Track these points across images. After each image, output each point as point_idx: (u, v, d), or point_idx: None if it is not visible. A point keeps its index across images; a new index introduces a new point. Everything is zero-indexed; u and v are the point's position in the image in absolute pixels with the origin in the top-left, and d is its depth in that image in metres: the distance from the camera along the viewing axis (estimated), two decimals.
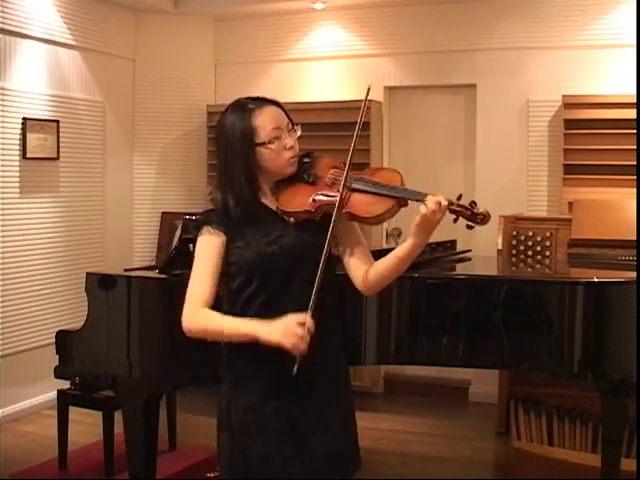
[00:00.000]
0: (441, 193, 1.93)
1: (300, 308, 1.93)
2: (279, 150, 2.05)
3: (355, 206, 2.01)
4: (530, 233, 4.60)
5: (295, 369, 1.86)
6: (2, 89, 4.76)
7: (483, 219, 1.94)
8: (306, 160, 2.13)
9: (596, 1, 5.08)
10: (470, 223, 1.95)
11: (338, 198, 1.99)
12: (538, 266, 4.30)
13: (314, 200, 2.04)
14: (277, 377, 2.02)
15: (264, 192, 2.11)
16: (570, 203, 4.80)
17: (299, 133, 2.11)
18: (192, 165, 6.06)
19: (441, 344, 3.03)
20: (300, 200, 2.06)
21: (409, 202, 1.99)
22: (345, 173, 2.02)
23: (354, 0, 5.53)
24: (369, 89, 2.06)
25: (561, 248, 4.52)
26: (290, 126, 2.09)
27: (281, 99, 2.19)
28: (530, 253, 4.56)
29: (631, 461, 3.55)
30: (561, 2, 5.17)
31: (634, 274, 3.19)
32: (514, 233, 4.63)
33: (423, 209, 1.90)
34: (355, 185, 2.03)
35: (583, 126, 4.98)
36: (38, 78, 5.04)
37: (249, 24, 6.00)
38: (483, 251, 4.42)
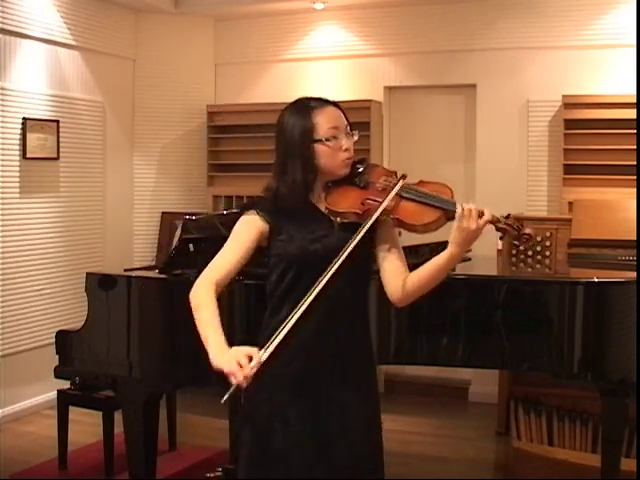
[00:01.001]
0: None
1: (332, 309, 1.97)
2: (335, 149, 2.07)
3: (403, 213, 2.04)
4: None
5: (225, 397, 1.78)
6: (2, 89, 4.76)
7: (529, 239, 1.98)
8: (358, 166, 2.16)
9: (596, 1, 5.07)
10: (516, 242, 2.01)
11: (384, 202, 2.02)
12: (538, 266, 4.30)
13: (363, 203, 2.07)
14: (304, 376, 2.03)
15: (314, 191, 2.13)
16: (570, 203, 4.80)
17: (356, 138, 2.13)
18: (192, 165, 6.06)
19: (441, 344, 3.03)
20: (349, 202, 2.08)
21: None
22: (397, 180, 2.06)
23: (354, 0, 5.53)
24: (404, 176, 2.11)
25: (561, 248, 4.51)
26: (348, 129, 2.12)
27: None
28: (530, 253, 4.56)
29: (631, 461, 3.55)
30: (561, 2, 5.17)
31: (634, 274, 3.19)
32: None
33: (458, 214, 1.94)
34: (404, 193, 2.06)
35: (583, 126, 4.98)
36: (38, 78, 5.04)
37: (249, 24, 6.00)
38: (483, 251, 4.41)
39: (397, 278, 2.07)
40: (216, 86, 6.15)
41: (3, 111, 4.77)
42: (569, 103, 4.99)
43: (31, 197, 5.00)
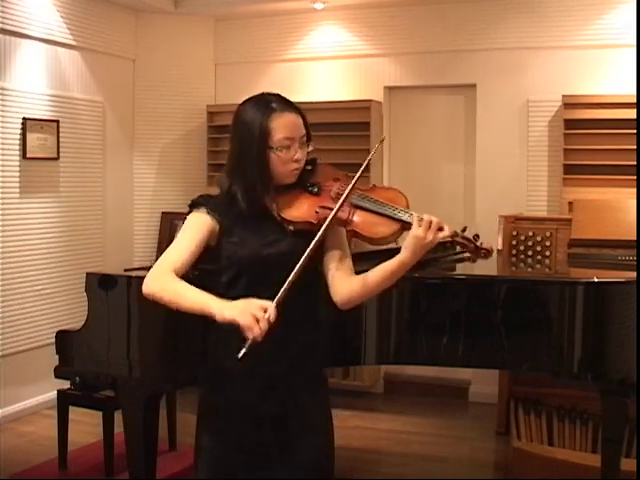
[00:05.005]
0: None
1: (284, 315, 1.84)
2: (285, 160, 2.02)
3: (360, 225, 1.99)
4: (530, 233, 4.60)
5: (241, 354, 1.74)
6: (2, 89, 4.76)
7: (486, 254, 1.96)
8: (308, 167, 2.11)
9: (596, 1, 5.08)
10: (472, 256, 1.99)
11: (334, 211, 1.95)
12: (538, 266, 4.30)
13: (317, 212, 2.02)
14: (272, 381, 2.02)
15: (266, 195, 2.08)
16: (570, 203, 4.80)
17: (310, 149, 2.08)
18: (192, 165, 6.06)
19: (441, 344, 3.03)
20: (303, 211, 2.03)
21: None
22: (348, 189, 1.98)
23: (354, 0, 5.53)
24: (382, 140, 2.18)
25: (561, 248, 4.51)
26: (304, 139, 2.06)
27: None
28: (530, 253, 4.56)
29: (631, 461, 3.55)
30: (561, 2, 5.17)
31: (634, 274, 3.19)
32: (514, 233, 4.63)
33: (417, 224, 1.89)
34: (360, 202, 2.02)
35: (583, 126, 4.98)
36: (38, 78, 5.04)
37: (249, 24, 6.00)
38: None
39: (344, 281, 2.02)
40: (216, 86, 6.16)
41: (3, 111, 4.77)
42: (569, 103, 4.99)
43: (31, 197, 5.00)
